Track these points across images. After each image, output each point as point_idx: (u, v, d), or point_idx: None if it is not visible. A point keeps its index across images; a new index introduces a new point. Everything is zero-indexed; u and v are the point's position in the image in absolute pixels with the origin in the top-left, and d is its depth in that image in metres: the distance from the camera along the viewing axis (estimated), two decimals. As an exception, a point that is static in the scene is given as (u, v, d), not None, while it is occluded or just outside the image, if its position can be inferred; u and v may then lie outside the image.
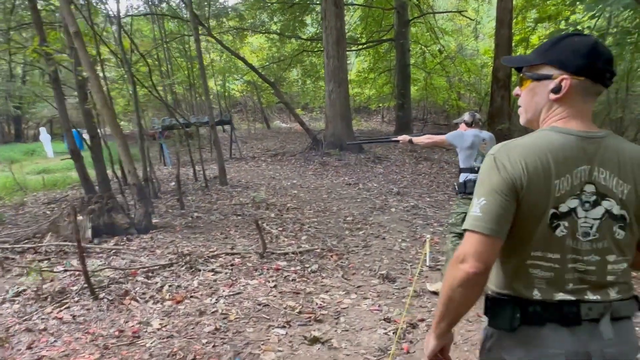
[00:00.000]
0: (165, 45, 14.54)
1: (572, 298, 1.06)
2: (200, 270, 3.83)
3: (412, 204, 7.13)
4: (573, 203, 1.06)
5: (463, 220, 3.69)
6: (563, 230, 1.06)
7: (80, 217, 4.20)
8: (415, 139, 4.02)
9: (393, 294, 3.68)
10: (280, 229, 5.40)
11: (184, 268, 3.83)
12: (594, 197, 1.06)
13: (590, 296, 1.07)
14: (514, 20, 15.76)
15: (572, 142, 1.06)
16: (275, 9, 17.83)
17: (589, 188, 1.06)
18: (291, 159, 11.63)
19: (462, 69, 19.10)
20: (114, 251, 4.15)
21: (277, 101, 23.79)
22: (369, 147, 12.77)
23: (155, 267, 3.78)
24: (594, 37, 1.12)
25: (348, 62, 21.58)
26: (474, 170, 3.74)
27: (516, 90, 1.22)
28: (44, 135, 14.07)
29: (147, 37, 15.70)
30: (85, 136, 17.29)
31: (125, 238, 4.57)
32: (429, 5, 17.62)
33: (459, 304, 1.11)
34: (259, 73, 13.82)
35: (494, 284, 1.16)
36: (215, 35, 17.33)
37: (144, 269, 3.73)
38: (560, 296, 1.07)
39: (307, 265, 4.15)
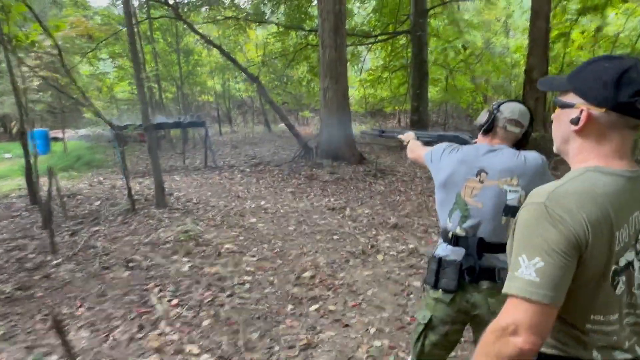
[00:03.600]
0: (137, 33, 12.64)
1: (630, 357, 0.99)
2: None
3: (411, 246, 4.89)
4: (630, 255, 0.97)
5: (420, 335, 1.77)
6: (622, 287, 0.97)
7: None
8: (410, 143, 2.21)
9: None
10: (176, 300, 3.26)
11: None
12: None
13: None
14: (552, 12, 13.35)
15: (623, 185, 0.95)
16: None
17: None
18: (274, 169, 9.50)
19: (489, 68, 16.64)
20: None
21: (281, 102, 21.81)
22: (374, 157, 10.55)
23: None
24: (632, 60, 0.94)
25: (361, 59, 19.45)
26: (446, 236, 1.68)
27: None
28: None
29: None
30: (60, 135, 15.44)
31: None
32: (452, -7, 15.24)
33: None
34: (242, 67, 11.77)
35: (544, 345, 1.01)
36: (204, 23, 15.43)
37: None
38: (619, 355, 0.98)
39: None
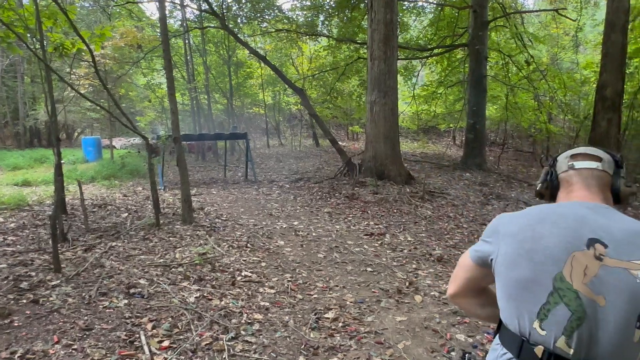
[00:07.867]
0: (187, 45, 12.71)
1: None
2: None
3: (457, 285, 4.16)
4: None
5: None
6: None
7: None
8: None
9: None
10: (168, 341, 2.77)
11: None
12: None
13: None
14: (630, 25, 12.03)
15: None
16: (332, 12, 15.61)
17: None
18: (314, 187, 9.00)
19: (555, 85, 15.33)
20: None
21: (331, 116, 21.41)
22: (423, 177, 9.79)
23: None
24: None
25: (415, 74, 18.70)
26: (523, 348, 0.97)
27: None
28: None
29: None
30: (117, 143, 15.82)
31: None
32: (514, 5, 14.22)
33: None
34: (285, 79, 11.42)
35: None
36: (255, 35, 15.37)
37: None
38: None
39: None
